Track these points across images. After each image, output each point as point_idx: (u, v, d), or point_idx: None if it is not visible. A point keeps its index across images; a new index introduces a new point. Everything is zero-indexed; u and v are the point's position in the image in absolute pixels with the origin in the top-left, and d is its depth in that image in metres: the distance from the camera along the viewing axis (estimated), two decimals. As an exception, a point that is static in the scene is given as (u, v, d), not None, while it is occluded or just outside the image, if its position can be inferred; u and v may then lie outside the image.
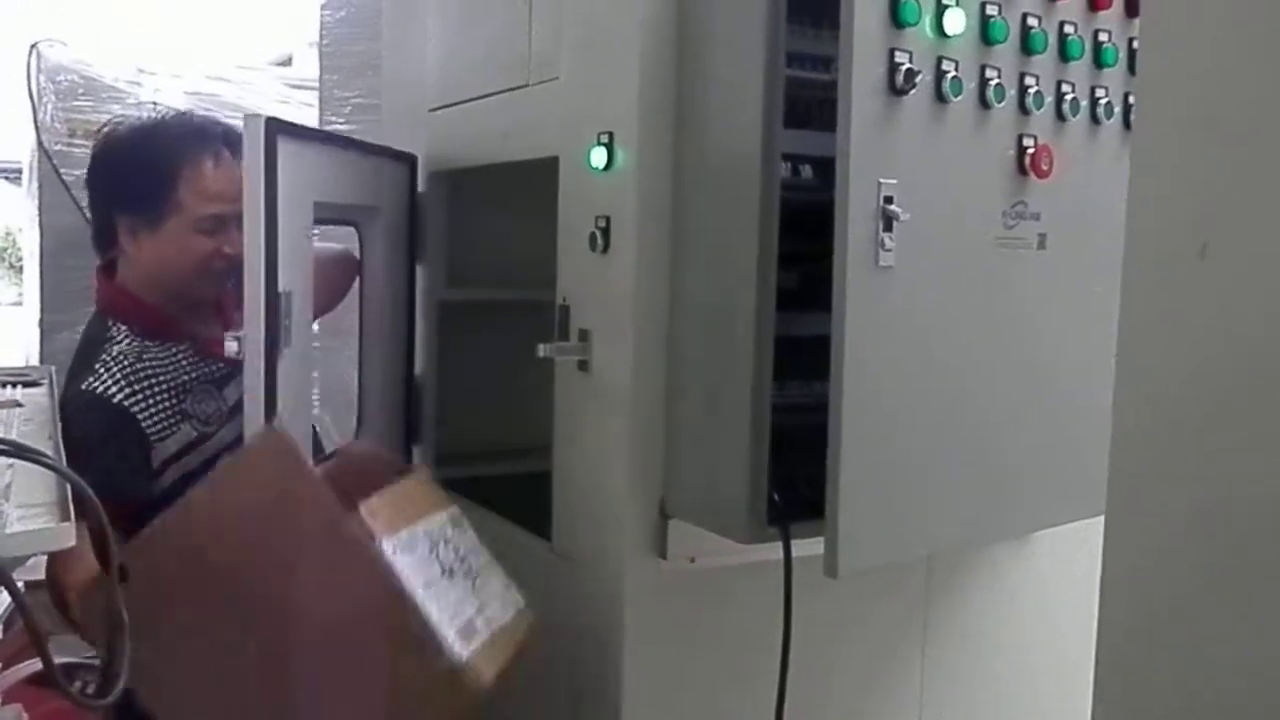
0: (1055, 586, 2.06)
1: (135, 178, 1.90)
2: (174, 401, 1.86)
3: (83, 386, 1.82)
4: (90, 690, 1.46)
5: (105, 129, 2.01)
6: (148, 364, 1.86)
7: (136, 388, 1.83)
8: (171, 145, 1.91)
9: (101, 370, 1.83)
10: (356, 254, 2.23)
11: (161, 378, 1.86)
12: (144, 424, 1.82)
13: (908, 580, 1.92)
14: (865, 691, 1.90)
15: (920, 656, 1.94)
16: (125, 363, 1.84)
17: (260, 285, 1.71)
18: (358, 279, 2.23)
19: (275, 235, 1.71)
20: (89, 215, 2.02)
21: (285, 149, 1.73)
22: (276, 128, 1.72)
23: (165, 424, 1.84)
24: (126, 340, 1.87)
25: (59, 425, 1.93)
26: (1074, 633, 2.10)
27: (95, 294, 2.00)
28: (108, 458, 1.77)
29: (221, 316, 2.02)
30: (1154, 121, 1.00)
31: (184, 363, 1.91)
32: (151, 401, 1.84)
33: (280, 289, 1.74)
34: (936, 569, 1.94)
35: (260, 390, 1.72)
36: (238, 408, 1.93)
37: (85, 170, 4.50)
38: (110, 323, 1.90)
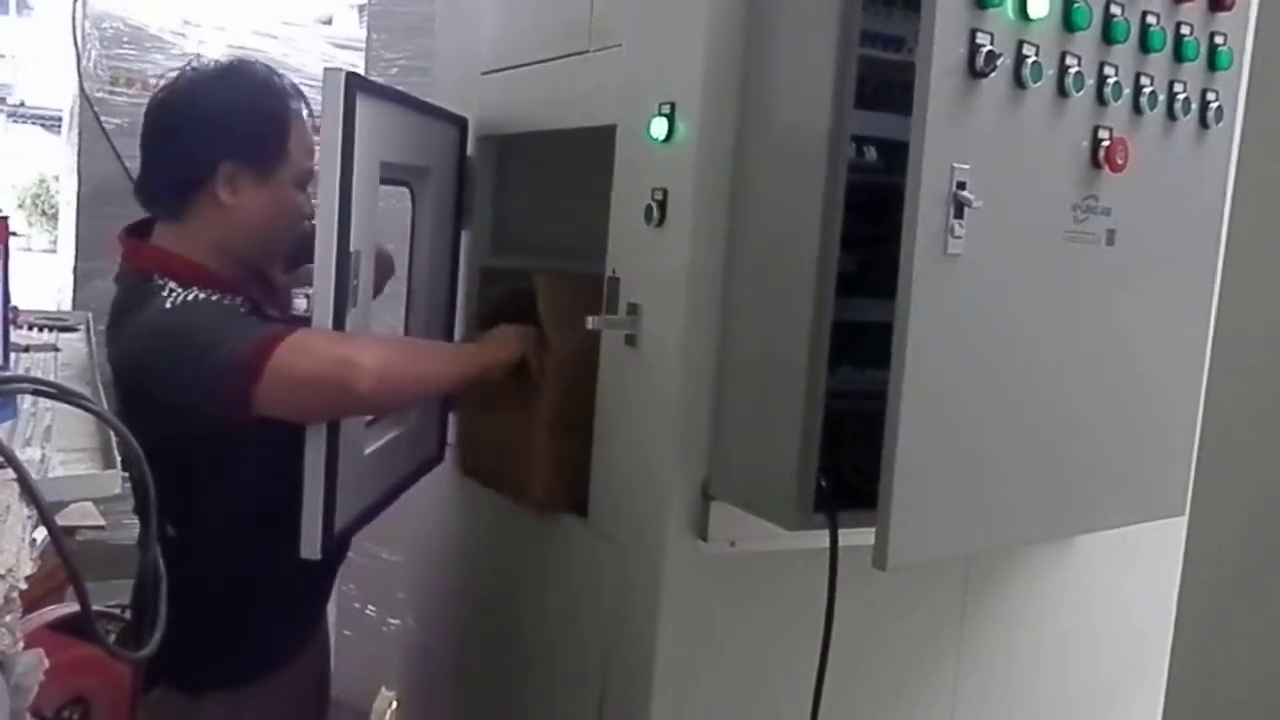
0: (1094, 593, 2.03)
1: (250, 123, 1.82)
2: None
3: (166, 306, 1.71)
4: (111, 638, 1.44)
5: (185, 70, 1.87)
6: (211, 299, 1.77)
7: (217, 298, 1.76)
8: (282, 93, 1.86)
9: (170, 294, 1.74)
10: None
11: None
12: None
13: (946, 579, 1.88)
14: (899, 686, 1.87)
15: (956, 656, 1.91)
16: (193, 287, 1.76)
17: (333, 243, 1.67)
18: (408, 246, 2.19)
19: (350, 193, 1.67)
20: (166, 160, 1.85)
21: (361, 106, 1.68)
22: (357, 82, 1.68)
23: None
24: (174, 287, 1.77)
25: (97, 369, 1.92)
26: (1113, 639, 2.07)
27: (128, 257, 1.87)
28: (239, 322, 1.73)
29: (263, 280, 1.99)
30: (1264, 120, 0.96)
31: (244, 311, 1.84)
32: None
33: (351, 248, 1.71)
34: (975, 569, 1.91)
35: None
36: None
37: (126, 118, 4.52)
38: (155, 277, 1.79)
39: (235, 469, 1.78)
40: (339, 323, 1.71)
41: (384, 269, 2.21)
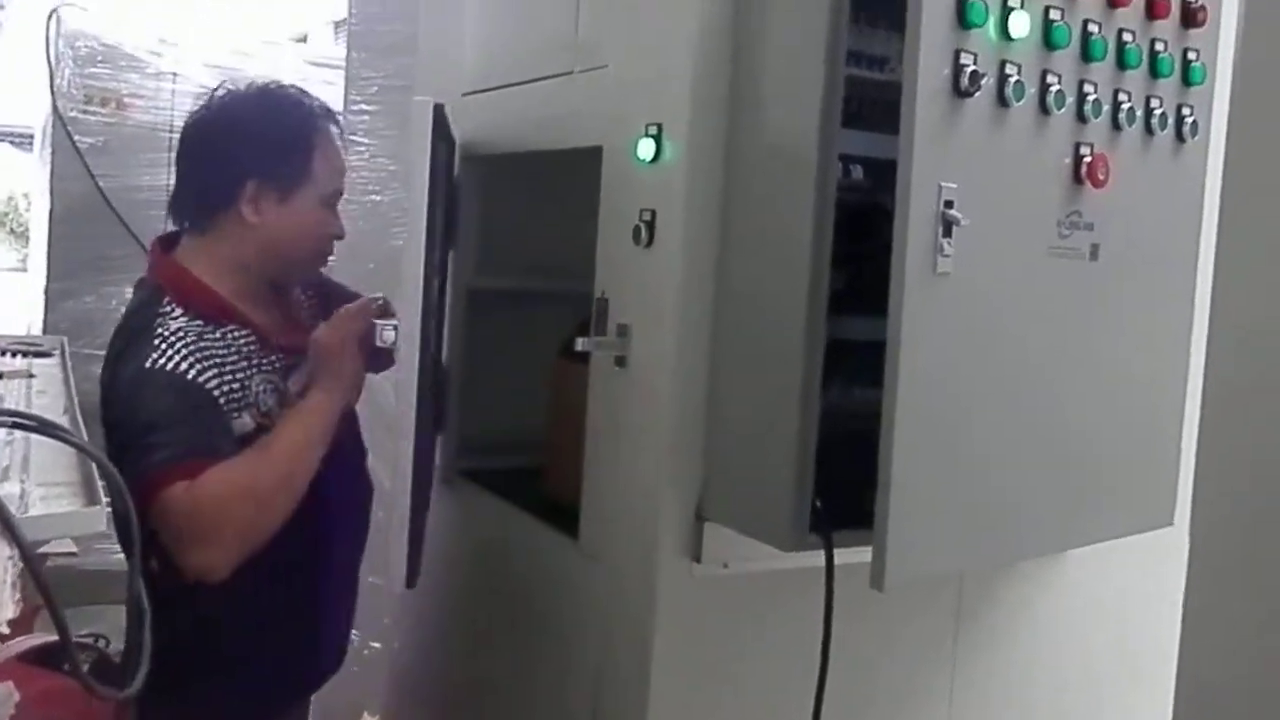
0: (1087, 608, 2.03)
1: (275, 142, 1.84)
2: (237, 387, 1.79)
3: (147, 365, 1.72)
4: (86, 669, 1.42)
5: (219, 92, 1.92)
6: (209, 344, 1.78)
7: (205, 365, 1.75)
8: (309, 113, 1.89)
9: (163, 345, 1.74)
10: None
11: (224, 361, 1.79)
12: (219, 401, 1.77)
13: (939, 596, 1.88)
14: (895, 704, 1.86)
15: (950, 673, 1.91)
16: (188, 339, 1.76)
17: (420, 278, 1.76)
18: None
19: (435, 229, 1.81)
20: (195, 177, 1.90)
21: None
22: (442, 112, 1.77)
23: (229, 408, 1.77)
24: (184, 319, 1.78)
25: (75, 397, 1.88)
26: (1107, 654, 2.07)
27: (152, 265, 1.92)
28: (195, 430, 1.72)
29: (281, 306, 1.98)
30: (1250, 135, 0.97)
31: (245, 349, 1.82)
32: (219, 381, 1.77)
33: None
34: (968, 586, 1.91)
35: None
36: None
37: (100, 137, 4.47)
38: (165, 299, 1.81)
39: None
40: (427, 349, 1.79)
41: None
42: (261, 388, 1.82)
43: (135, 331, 1.78)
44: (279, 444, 1.74)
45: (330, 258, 1.98)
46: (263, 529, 1.70)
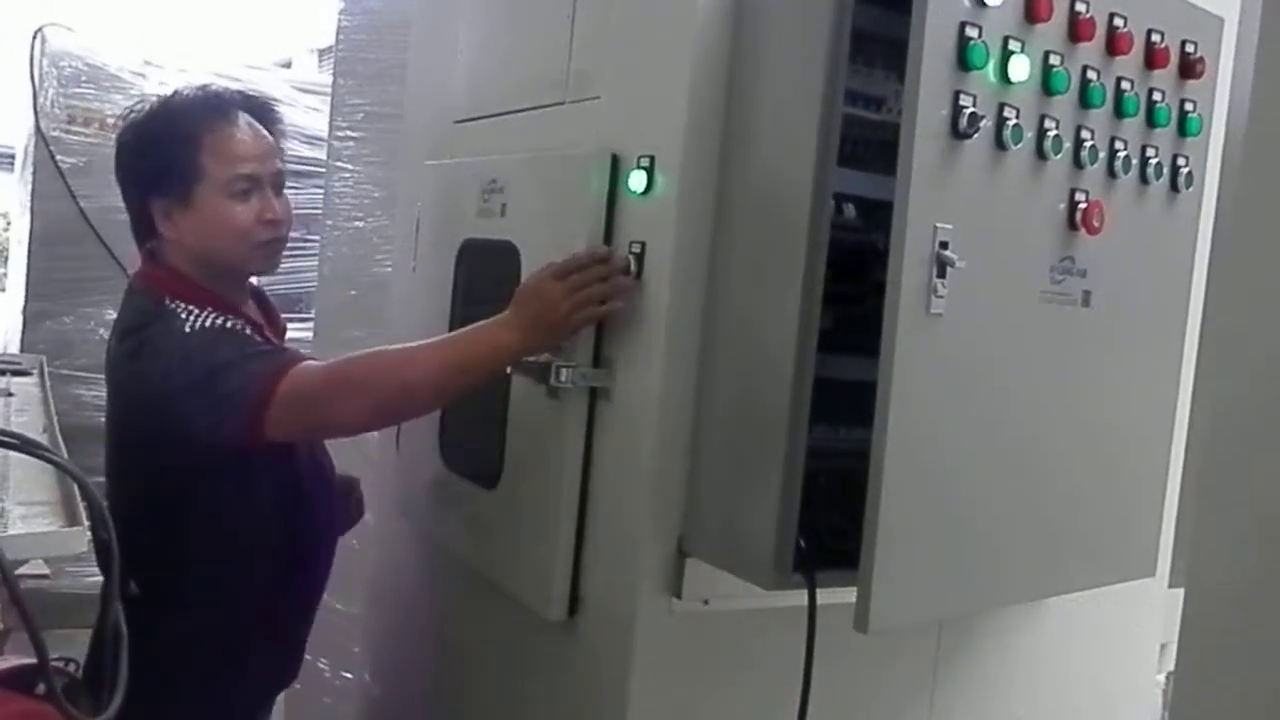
0: (1065, 654, 2.02)
1: (157, 156, 1.83)
2: None
3: (186, 330, 1.74)
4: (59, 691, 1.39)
5: (126, 117, 1.92)
6: (228, 325, 1.79)
7: (231, 325, 1.78)
8: (187, 115, 1.85)
9: (189, 316, 1.76)
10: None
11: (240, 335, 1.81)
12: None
13: (919, 637, 1.86)
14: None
15: (929, 714, 1.89)
16: (205, 312, 1.77)
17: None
18: None
19: None
20: (126, 208, 1.93)
21: None
22: None
23: None
24: (195, 310, 1.79)
25: (54, 416, 1.87)
26: (1081, 693, 2.06)
27: (141, 278, 1.92)
28: (270, 348, 1.77)
29: (261, 304, 2.03)
30: (1245, 188, 0.96)
31: (250, 335, 1.84)
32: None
33: None
34: (948, 625, 1.89)
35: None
36: None
37: (82, 158, 4.46)
38: (166, 299, 1.81)
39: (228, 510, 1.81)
40: None
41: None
42: None
43: (149, 320, 1.79)
44: (430, 352, 1.76)
45: (275, 242, 1.91)
46: (385, 414, 1.86)
